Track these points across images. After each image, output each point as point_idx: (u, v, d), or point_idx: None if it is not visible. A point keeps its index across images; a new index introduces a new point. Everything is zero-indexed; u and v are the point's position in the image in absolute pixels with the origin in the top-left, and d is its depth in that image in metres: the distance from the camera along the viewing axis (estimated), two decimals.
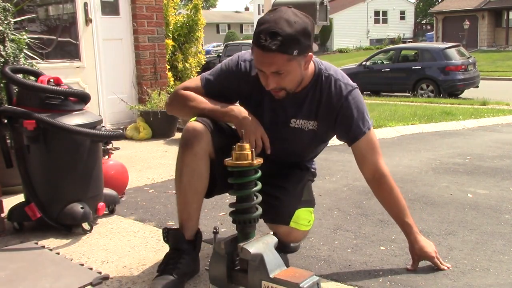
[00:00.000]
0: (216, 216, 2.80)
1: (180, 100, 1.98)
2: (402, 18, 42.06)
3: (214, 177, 1.92)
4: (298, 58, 1.75)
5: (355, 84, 1.99)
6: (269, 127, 1.93)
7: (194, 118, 1.90)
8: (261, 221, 1.80)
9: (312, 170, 2.23)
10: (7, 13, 3.19)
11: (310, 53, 1.80)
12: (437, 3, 41.68)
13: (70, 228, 2.51)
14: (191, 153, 1.84)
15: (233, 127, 1.93)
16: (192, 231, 1.95)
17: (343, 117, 1.92)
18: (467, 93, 12.06)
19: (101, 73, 5.49)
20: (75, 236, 2.48)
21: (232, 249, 1.63)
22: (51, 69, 4.30)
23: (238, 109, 1.91)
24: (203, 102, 1.93)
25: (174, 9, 6.51)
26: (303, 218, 1.96)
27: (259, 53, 1.72)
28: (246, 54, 1.98)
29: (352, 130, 1.93)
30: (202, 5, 6.87)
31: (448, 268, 2.03)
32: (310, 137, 2.00)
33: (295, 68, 1.77)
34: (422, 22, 47.45)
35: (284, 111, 1.95)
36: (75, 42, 5.29)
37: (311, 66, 1.91)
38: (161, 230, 2.56)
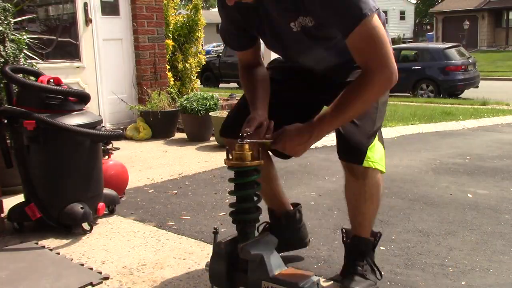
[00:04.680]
0: (216, 216, 2.80)
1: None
2: (402, 18, 42.03)
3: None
4: None
5: None
6: (278, 43, 1.76)
7: None
8: (261, 221, 1.79)
9: None
10: (7, 13, 3.19)
11: None
12: (437, 3, 41.62)
13: (70, 228, 2.51)
14: None
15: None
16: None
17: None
18: (467, 93, 12.06)
19: (101, 73, 5.49)
20: (75, 236, 2.48)
21: (232, 249, 1.63)
22: (51, 69, 4.31)
23: None
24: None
25: (174, 9, 6.51)
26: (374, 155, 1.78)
27: None
28: None
29: (339, 14, 1.47)
30: (202, 5, 6.86)
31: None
32: (318, 35, 1.64)
33: None
34: (422, 22, 47.42)
35: (275, 22, 1.67)
36: (75, 42, 5.28)
37: None
38: (161, 230, 2.58)
